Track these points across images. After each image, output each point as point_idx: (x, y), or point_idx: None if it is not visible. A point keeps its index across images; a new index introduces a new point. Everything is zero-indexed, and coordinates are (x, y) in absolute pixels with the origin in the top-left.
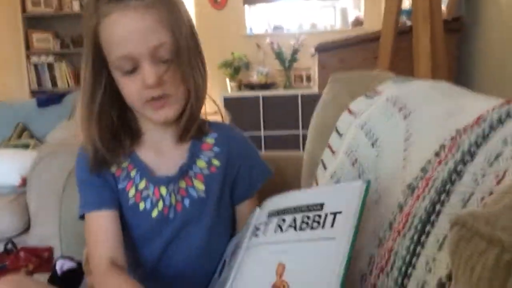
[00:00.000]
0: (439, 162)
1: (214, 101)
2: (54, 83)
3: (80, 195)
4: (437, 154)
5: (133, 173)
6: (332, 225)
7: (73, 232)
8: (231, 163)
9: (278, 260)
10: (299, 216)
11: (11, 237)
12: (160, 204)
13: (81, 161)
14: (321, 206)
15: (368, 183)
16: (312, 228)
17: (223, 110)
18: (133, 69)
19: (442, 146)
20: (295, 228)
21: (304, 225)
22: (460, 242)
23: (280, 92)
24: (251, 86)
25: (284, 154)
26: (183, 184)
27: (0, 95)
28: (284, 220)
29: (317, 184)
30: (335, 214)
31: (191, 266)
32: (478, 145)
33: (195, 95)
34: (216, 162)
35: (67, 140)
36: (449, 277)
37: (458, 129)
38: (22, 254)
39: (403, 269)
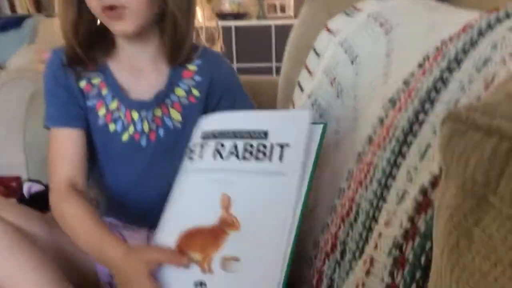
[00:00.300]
0: (423, 73)
1: (213, 28)
2: (12, 9)
3: (46, 106)
4: (420, 66)
5: (104, 92)
6: (280, 159)
7: (39, 158)
8: (211, 94)
9: (221, 190)
10: (240, 143)
11: None
12: (131, 128)
13: (52, 63)
14: (264, 134)
15: (325, 126)
16: (257, 159)
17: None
18: None
19: (426, 57)
20: (237, 156)
21: (247, 154)
22: (453, 137)
23: (253, 22)
24: (223, 16)
25: (259, 78)
26: (158, 112)
27: None
28: (223, 146)
29: (294, 106)
30: (282, 146)
31: (162, 202)
32: (465, 51)
33: (175, 13)
34: (195, 92)
35: (28, 66)
36: (432, 184)
37: (444, 40)
38: None
39: (383, 181)
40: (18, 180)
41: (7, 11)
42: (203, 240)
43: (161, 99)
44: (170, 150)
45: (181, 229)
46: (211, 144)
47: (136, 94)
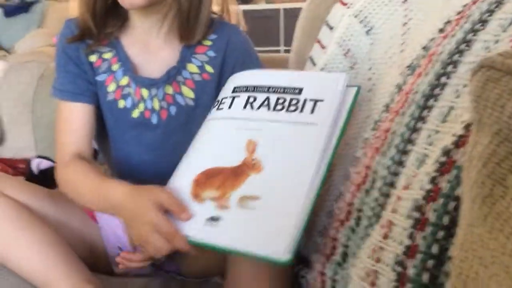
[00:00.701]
0: (445, 37)
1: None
2: None
3: (56, 77)
4: (441, 31)
5: (115, 67)
6: (312, 111)
7: (47, 140)
8: (225, 68)
9: (247, 137)
10: (273, 97)
11: None
12: (141, 105)
13: (63, 35)
14: (299, 90)
15: (359, 88)
16: (288, 110)
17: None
18: None
19: (447, 22)
20: (268, 107)
21: (279, 106)
22: (487, 84)
23: (261, 6)
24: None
25: (270, 55)
26: (169, 90)
27: None
28: (255, 99)
29: None
30: (315, 101)
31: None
32: (491, 11)
33: None
34: (209, 68)
35: (36, 49)
36: (456, 143)
37: (466, 4)
38: None
39: (401, 146)
40: (26, 162)
41: None
42: (222, 179)
43: (172, 76)
44: (183, 128)
45: (200, 169)
46: (243, 96)
47: (146, 71)
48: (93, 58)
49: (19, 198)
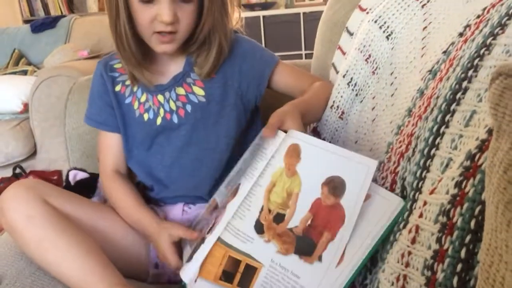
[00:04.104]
0: (465, 41)
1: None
2: (46, 11)
3: (87, 105)
4: (461, 35)
5: (135, 88)
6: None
7: (79, 151)
8: (230, 64)
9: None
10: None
11: (18, 161)
12: (162, 111)
13: (96, 73)
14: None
15: (405, 203)
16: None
17: None
18: (151, 0)
19: (467, 26)
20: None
21: None
22: (505, 92)
23: (281, 11)
24: (251, 6)
25: (293, 61)
26: (181, 91)
27: None
28: None
29: None
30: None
31: (201, 169)
32: (510, 15)
33: (218, 41)
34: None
35: (64, 64)
36: (480, 148)
37: (485, 7)
38: (31, 177)
39: (426, 150)
40: (58, 173)
41: (41, 12)
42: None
43: (179, 80)
44: (201, 123)
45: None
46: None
47: (155, 80)
48: (118, 87)
49: (60, 207)
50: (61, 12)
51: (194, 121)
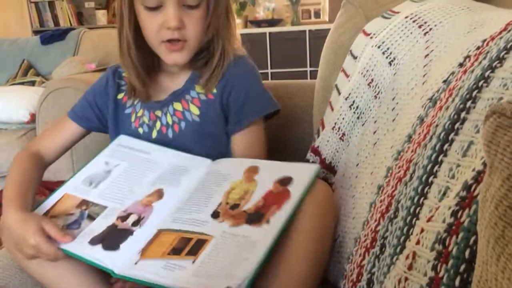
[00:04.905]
0: (464, 72)
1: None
2: (56, 22)
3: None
4: (461, 65)
5: (136, 101)
6: None
7: (85, 161)
8: (226, 90)
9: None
10: None
11: None
12: (158, 124)
13: (102, 78)
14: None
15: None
16: None
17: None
18: (157, 7)
19: (467, 56)
20: None
21: None
22: (498, 131)
23: (287, 28)
24: (257, 23)
25: (295, 82)
26: (179, 106)
27: (2, 36)
28: None
29: (332, 109)
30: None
31: None
32: (508, 49)
33: (221, 47)
34: (213, 89)
35: (72, 76)
36: (476, 179)
37: (485, 39)
38: None
39: (424, 177)
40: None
41: (51, 24)
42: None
43: (178, 96)
44: (192, 142)
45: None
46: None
47: (155, 96)
48: (121, 95)
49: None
50: (71, 24)
51: (186, 140)
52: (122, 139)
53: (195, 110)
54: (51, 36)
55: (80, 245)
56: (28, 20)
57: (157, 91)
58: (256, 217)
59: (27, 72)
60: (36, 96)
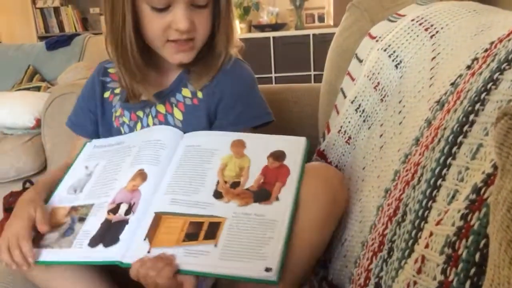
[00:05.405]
0: (472, 74)
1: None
2: (61, 28)
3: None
4: (468, 67)
5: (115, 101)
6: None
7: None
8: (214, 96)
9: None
10: None
11: (28, 176)
12: (139, 125)
13: (90, 77)
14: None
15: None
16: None
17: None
18: (165, 8)
19: (475, 59)
20: None
21: None
22: (509, 133)
23: (291, 32)
24: (261, 27)
25: (300, 86)
26: (162, 109)
27: (7, 41)
28: None
29: (337, 113)
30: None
31: None
32: None
33: (220, 42)
34: (199, 94)
35: (77, 81)
36: (486, 182)
37: (492, 41)
38: None
39: (432, 181)
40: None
41: (56, 29)
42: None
43: (162, 98)
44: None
45: None
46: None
47: (137, 96)
48: (106, 94)
49: None
50: (75, 30)
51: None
52: (94, 142)
53: (178, 115)
54: (56, 41)
55: (80, 250)
56: (33, 26)
57: (142, 89)
58: (263, 195)
59: (33, 77)
60: (41, 102)
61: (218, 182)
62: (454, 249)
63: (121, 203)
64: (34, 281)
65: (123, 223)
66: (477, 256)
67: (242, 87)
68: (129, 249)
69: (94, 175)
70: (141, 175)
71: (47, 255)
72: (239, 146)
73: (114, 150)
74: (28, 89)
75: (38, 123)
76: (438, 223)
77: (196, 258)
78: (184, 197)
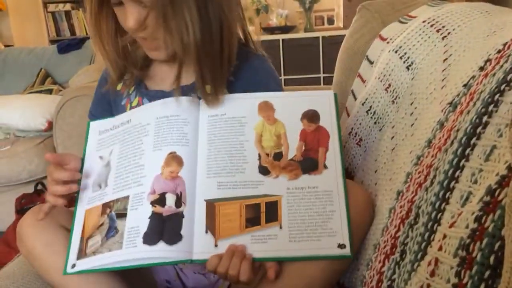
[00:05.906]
0: (485, 75)
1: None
2: (72, 31)
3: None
4: (481, 68)
5: (131, 90)
6: None
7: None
8: (236, 89)
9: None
10: None
11: (40, 178)
12: None
13: (103, 74)
14: None
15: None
16: None
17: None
18: (119, 2)
19: (488, 60)
20: None
21: None
22: None
23: (300, 35)
24: (271, 30)
25: (312, 88)
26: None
27: (19, 45)
28: None
29: (348, 115)
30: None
31: None
32: None
33: (197, 50)
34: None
35: (88, 84)
36: (500, 184)
37: (505, 42)
38: None
39: (446, 183)
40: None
41: (67, 33)
42: None
43: (185, 90)
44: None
45: None
46: None
47: (158, 85)
48: (119, 86)
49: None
50: (87, 33)
51: None
52: (94, 126)
53: None
54: (67, 45)
55: (135, 250)
56: (45, 30)
57: (156, 80)
58: (310, 164)
59: (45, 80)
60: (53, 104)
61: (259, 156)
62: (468, 251)
63: (165, 193)
64: (48, 280)
65: (178, 216)
66: (492, 258)
67: (263, 73)
68: (194, 245)
69: (113, 164)
70: (175, 159)
71: (98, 261)
72: (267, 109)
73: (124, 132)
74: (40, 92)
75: (50, 126)
76: (451, 226)
77: (266, 244)
78: (230, 178)
